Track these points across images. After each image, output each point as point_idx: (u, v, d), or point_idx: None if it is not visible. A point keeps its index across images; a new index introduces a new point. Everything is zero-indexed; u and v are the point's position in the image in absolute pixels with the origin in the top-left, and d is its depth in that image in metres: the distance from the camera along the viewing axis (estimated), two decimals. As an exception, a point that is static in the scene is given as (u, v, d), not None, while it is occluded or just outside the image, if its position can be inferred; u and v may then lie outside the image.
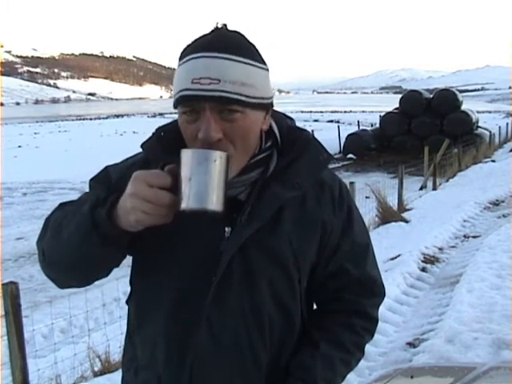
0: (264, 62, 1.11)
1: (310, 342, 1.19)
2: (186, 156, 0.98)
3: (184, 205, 0.96)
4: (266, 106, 1.11)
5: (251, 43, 1.10)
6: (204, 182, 0.96)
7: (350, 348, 1.21)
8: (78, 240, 1.05)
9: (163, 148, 1.13)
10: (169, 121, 1.23)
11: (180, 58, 1.08)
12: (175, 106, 1.09)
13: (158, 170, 1.01)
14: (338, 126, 25.64)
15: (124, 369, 1.29)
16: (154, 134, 1.18)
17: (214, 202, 0.97)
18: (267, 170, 1.14)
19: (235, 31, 1.09)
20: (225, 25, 1.09)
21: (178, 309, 1.13)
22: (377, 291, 1.28)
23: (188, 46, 1.08)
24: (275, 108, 1.19)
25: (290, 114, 1.30)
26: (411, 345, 4.08)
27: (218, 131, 1.03)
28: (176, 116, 1.13)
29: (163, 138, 1.15)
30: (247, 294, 1.13)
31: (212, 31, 1.07)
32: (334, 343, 1.20)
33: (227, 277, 1.12)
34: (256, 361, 1.15)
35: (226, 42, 1.05)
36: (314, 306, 1.30)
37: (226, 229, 1.12)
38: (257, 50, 1.10)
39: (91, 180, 1.23)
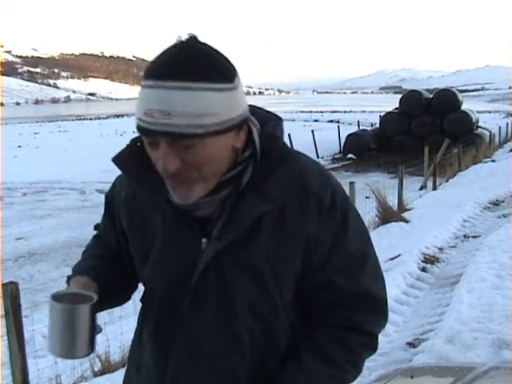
0: (229, 79, 1.02)
1: (295, 355, 1.12)
2: (52, 307, 1.04)
3: (51, 350, 1.05)
4: (233, 127, 1.03)
5: (215, 57, 1.02)
6: (66, 333, 1.03)
7: (343, 365, 1.12)
8: None
9: (137, 161, 1.11)
10: None
11: (143, 77, 1.03)
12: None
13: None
14: (338, 126, 25.66)
15: (128, 361, 1.33)
16: (128, 145, 1.15)
17: (77, 350, 1.04)
18: (240, 183, 1.08)
19: (199, 44, 1.01)
20: (191, 36, 1.01)
21: (160, 320, 1.16)
22: (378, 308, 1.16)
23: (150, 63, 1.02)
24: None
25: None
26: (411, 345, 4.08)
27: (175, 163, 1.00)
28: None
29: (138, 149, 1.11)
30: (222, 307, 1.11)
31: (173, 46, 1.00)
32: (322, 358, 1.11)
33: (202, 289, 1.11)
34: (234, 375, 1.11)
35: (181, 66, 0.97)
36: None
37: (203, 240, 1.10)
38: (222, 65, 1.02)
39: (105, 196, 1.32)
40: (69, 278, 1.21)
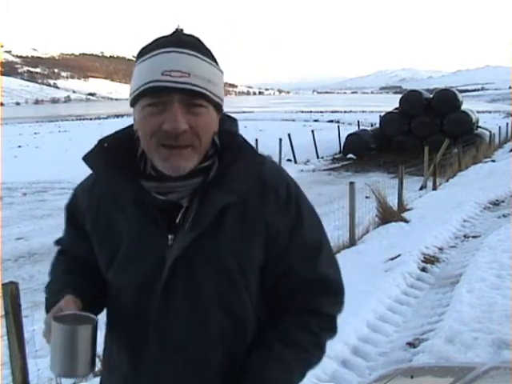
0: (219, 66, 1.16)
1: (263, 344, 1.18)
2: (54, 328, 1.06)
3: (52, 370, 1.08)
4: (221, 109, 1.16)
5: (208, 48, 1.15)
6: (69, 354, 1.05)
7: (308, 347, 1.20)
8: None
9: (105, 161, 1.17)
10: None
11: (142, 55, 1.12)
12: (136, 100, 1.10)
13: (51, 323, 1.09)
14: (338, 126, 25.64)
15: (102, 366, 1.35)
16: (96, 145, 1.21)
17: (79, 369, 1.06)
18: (208, 176, 1.15)
19: (193, 35, 1.14)
20: (182, 29, 1.13)
21: (131, 319, 1.19)
22: (333, 289, 1.25)
23: (149, 44, 1.12)
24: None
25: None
26: (411, 345, 4.08)
27: (185, 123, 1.06)
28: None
29: (106, 148, 1.19)
30: (191, 300, 1.15)
31: (173, 33, 1.12)
32: (288, 344, 1.18)
33: (171, 284, 1.14)
34: (207, 365, 1.16)
35: (191, 42, 1.11)
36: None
37: (170, 236, 1.14)
38: (214, 55, 1.16)
39: (65, 206, 1.33)
40: (48, 299, 1.25)
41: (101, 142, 1.20)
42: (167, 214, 1.14)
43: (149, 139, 1.09)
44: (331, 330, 1.26)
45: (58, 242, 1.39)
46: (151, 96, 1.07)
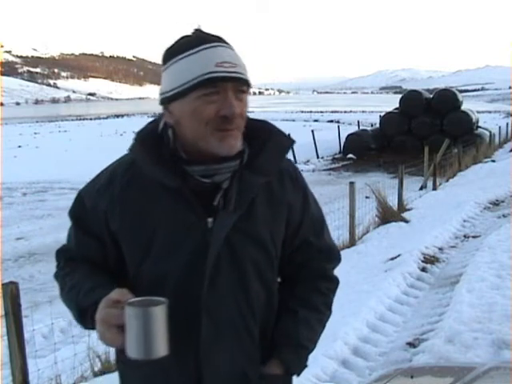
0: None
1: (289, 310, 1.35)
2: (128, 312, 1.08)
3: (129, 353, 1.09)
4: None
5: None
6: (144, 335, 1.07)
7: (322, 308, 1.39)
8: (79, 321, 1.27)
9: (147, 152, 1.23)
10: None
11: (178, 53, 1.19)
12: (188, 92, 1.17)
13: (117, 311, 1.11)
14: (338, 126, 25.65)
15: (120, 361, 1.33)
16: (135, 138, 1.27)
17: (155, 350, 1.08)
18: (243, 160, 1.25)
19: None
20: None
21: (177, 302, 1.19)
22: (335, 256, 1.46)
23: (182, 43, 1.20)
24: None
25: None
26: (411, 345, 4.08)
27: (237, 107, 1.18)
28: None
29: (145, 141, 1.25)
30: (236, 277, 1.24)
31: (200, 31, 1.22)
32: (309, 307, 1.36)
33: (217, 265, 1.22)
34: (251, 336, 1.28)
35: (222, 38, 1.21)
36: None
37: (209, 219, 1.22)
38: None
39: (70, 214, 1.35)
40: (78, 302, 1.24)
41: (139, 134, 1.27)
42: (202, 199, 1.21)
43: (204, 126, 1.17)
44: (334, 290, 1.45)
45: (62, 252, 1.38)
46: (207, 86, 1.15)
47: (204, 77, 1.15)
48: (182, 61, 1.18)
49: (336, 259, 1.46)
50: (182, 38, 1.21)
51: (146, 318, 1.07)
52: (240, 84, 1.19)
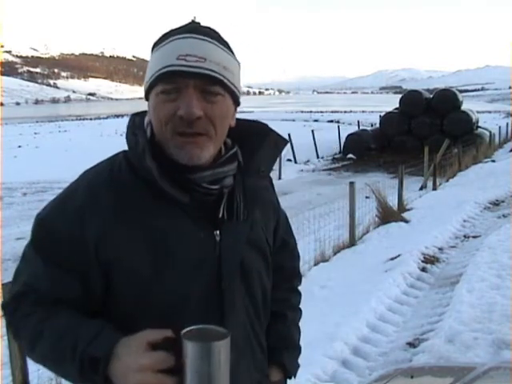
0: (236, 57, 1.14)
1: (277, 313, 1.33)
2: (188, 348, 0.90)
3: None
4: (238, 100, 1.13)
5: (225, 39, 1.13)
6: (207, 376, 0.90)
7: (299, 307, 1.44)
8: (78, 377, 1.02)
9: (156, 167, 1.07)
10: None
11: (157, 44, 1.09)
12: (151, 88, 1.06)
13: (163, 354, 0.92)
14: (338, 126, 25.64)
15: None
16: (136, 143, 1.10)
17: None
18: (240, 164, 1.16)
19: (210, 27, 1.12)
20: (198, 22, 1.12)
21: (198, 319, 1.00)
22: (298, 253, 1.48)
23: (167, 33, 1.09)
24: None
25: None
26: (411, 345, 4.08)
27: (200, 109, 1.03)
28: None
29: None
30: (244, 289, 1.17)
31: (189, 22, 1.11)
32: (292, 308, 1.40)
33: (231, 281, 1.15)
34: (261, 346, 1.25)
35: (208, 30, 1.09)
36: None
37: (215, 232, 1.11)
38: (230, 46, 1.13)
39: (33, 246, 1.09)
40: (108, 351, 0.96)
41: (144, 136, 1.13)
42: (205, 209, 1.11)
43: (164, 126, 1.05)
44: (300, 285, 1.48)
45: (21, 295, 1.08)
46: (166, 81, 1.03)
47: (161, 71, 1.03)
48: (156, 53, 1.08)
49: (299, 256, 1.48)
50: (177, 27, 1.10)
51: (212, 355, 0.89)
52: (208, 83, 1.03)
